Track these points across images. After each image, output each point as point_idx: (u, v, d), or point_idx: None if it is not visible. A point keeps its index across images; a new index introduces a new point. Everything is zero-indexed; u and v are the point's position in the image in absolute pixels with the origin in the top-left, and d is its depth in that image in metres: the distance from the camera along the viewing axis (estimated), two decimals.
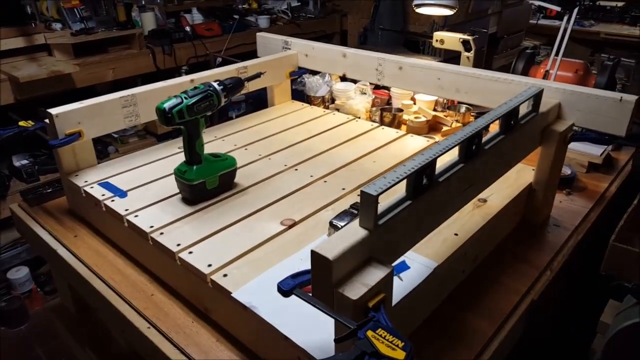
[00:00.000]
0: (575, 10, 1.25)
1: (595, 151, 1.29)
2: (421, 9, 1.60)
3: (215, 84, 0.94)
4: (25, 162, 2.24)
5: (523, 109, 0.92)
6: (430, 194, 0.66)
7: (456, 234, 0.85)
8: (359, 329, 0.50)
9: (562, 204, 1.15)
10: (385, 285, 0.56)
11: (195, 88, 0.92)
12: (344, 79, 1.68)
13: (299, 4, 3.44)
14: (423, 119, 1.53)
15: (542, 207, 1.04)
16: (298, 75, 1.52)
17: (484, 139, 0.80)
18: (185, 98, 0.90)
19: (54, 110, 1.03)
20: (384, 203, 0.62)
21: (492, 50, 2.98)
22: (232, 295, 0.72)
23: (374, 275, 0.56)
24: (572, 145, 1.32)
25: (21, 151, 2.28)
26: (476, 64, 1.65)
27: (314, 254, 0.54)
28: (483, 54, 2.36)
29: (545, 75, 1.42)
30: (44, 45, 2.19)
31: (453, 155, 0.73)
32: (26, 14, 2.11)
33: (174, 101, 0.89)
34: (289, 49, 1.50)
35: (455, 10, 1.55)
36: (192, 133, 0.93)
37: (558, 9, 1.33)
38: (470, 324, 0.79)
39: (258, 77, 1.09)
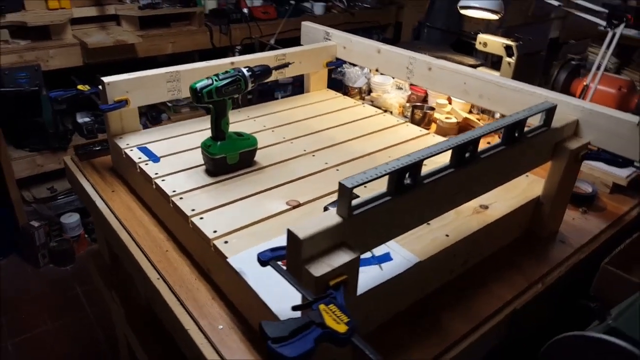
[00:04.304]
0: (621, 27, 1.21)
1: (621, 172, 1.26)
2: (466, 11, 1.60)
3: (244, 70, 1.02)
4: (87, 119, 2.47)
5: (535, 122, 0.94)
6: (412, 193, 0.71)
7: (447, 235, 0.89)
8: (315, 301, 0.57)
9: (575, 221, 1.14)
10: (349, 268, 0.62)
11: (226, 72, 1.01)
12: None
13: None
14: (454, 120, 1.54)
15: (548, 222, 1.05)
16: (335, 65, 1.58)
17: (485, 147, 0.84)
18: (216, 80, 0.99)
19: (106, 79, 1.15)
20: (367, 195, 0.68)
21: (553, 56, 2.87)
22: (227, 260, 0.81)
23: (341, 258, 0.62)
24: (599, 165, 1.30)
25: (85, 109, 2.50)
26: (519, 70, 1.64)
27: (289, 232, 0.62)
28: (541, 58, 2.29)
29: (584, 90, 1.39)
30: (113, 16, 2.38)
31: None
32: None
33: (205, 82, 0.98)
34: (329, 39, 1.56)
35: (500, 16, 1.54)
36: (219, 112, 1.02)
37: (603, 23, 1.29)
38: (445, 322, 0.83)
39: (286, 67, 1.16)
